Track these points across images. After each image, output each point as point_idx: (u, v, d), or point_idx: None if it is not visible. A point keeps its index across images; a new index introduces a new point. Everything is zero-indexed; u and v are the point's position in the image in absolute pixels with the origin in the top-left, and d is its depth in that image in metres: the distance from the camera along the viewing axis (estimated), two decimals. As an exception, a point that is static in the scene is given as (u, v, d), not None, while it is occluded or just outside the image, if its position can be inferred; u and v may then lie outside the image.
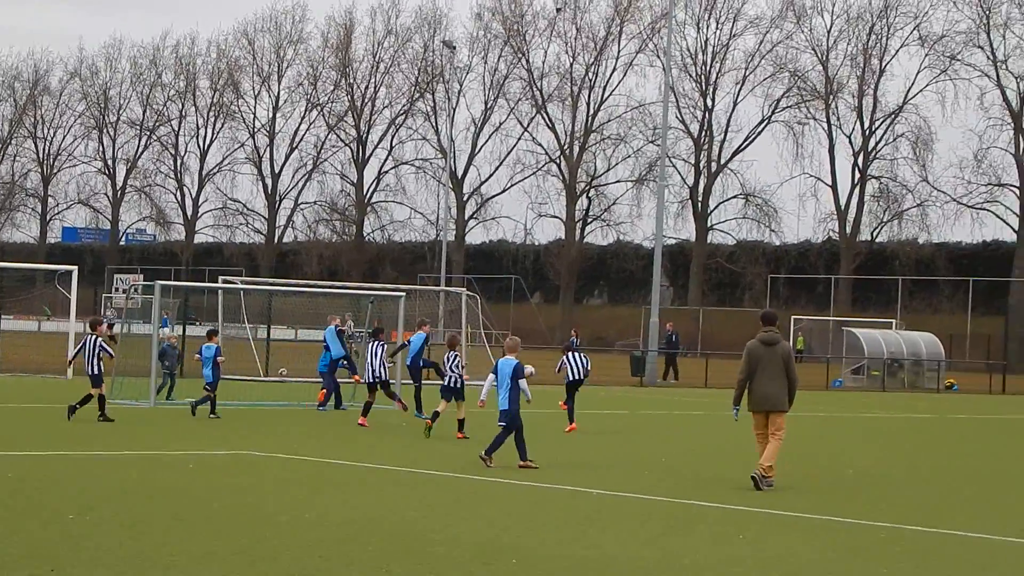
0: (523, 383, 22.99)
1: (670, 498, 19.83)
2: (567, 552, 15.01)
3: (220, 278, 56.28)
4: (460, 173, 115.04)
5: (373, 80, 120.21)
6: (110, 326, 57.69)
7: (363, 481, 20.70)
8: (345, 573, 13.44)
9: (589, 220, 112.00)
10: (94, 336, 29.33)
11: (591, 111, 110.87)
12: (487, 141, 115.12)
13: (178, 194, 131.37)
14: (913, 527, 17.89)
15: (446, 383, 28.47)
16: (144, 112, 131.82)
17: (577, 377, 31.64)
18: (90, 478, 19.74)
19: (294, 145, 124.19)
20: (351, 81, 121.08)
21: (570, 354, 32.22)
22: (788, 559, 15.23)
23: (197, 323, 73.89)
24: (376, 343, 31.43)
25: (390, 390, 31.75)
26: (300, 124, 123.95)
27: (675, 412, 40.58)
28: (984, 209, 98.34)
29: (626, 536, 16.30)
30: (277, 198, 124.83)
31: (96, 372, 28.94)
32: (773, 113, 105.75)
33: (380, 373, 31.08)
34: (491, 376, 23.33)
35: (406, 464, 22.95)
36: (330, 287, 63.25)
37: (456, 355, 28.82)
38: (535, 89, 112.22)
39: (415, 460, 23.62)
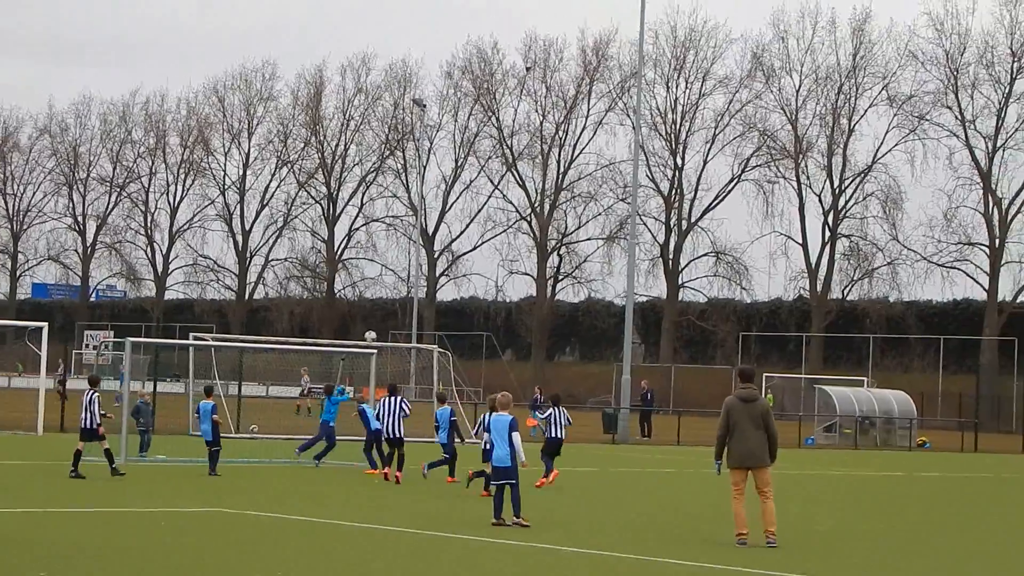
0: (517, 441, 22.71)
1: (639, 555, 19.81)
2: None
3: (191, 335, 56.09)
4: (431, 230, 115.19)
5: (343, 137, 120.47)
6: (61, 382, 57.36)
7: (334, 538, 20.64)
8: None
9: (560, 277, 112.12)
10: (91, 391, 29.25)
11: (561, 169, 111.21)
12: (458, 199, 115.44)
13: (148, 250, 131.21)
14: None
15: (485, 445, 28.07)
16: (114, 169, 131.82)
17: (559, 436, 31.51)
18: (60, 536, 19.65)
19: (264, 202, 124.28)
20: (321, 138, 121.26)
21: (558, 409, 31.95)
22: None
23: (173, 379, 73.66)
24: (394, 398, 31.47)
25: (402, 453, 31.34)
26: (271, 181, 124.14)
27: (647, 469, 40.55)
28: (954, 268, 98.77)
29: (598, 593, 16.29)
30: (248, 255, 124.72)
31: (91, 427, 28.81)
32: (743, 172, 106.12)
33: (398, 431, 31.06)
34: (486, 435, 23.13)
35: (376, 521, 22.90)
36: (301, 344, 63.14)
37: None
38: (505, 147, 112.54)
39: (385, 517, 23.57)
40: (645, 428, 60.48)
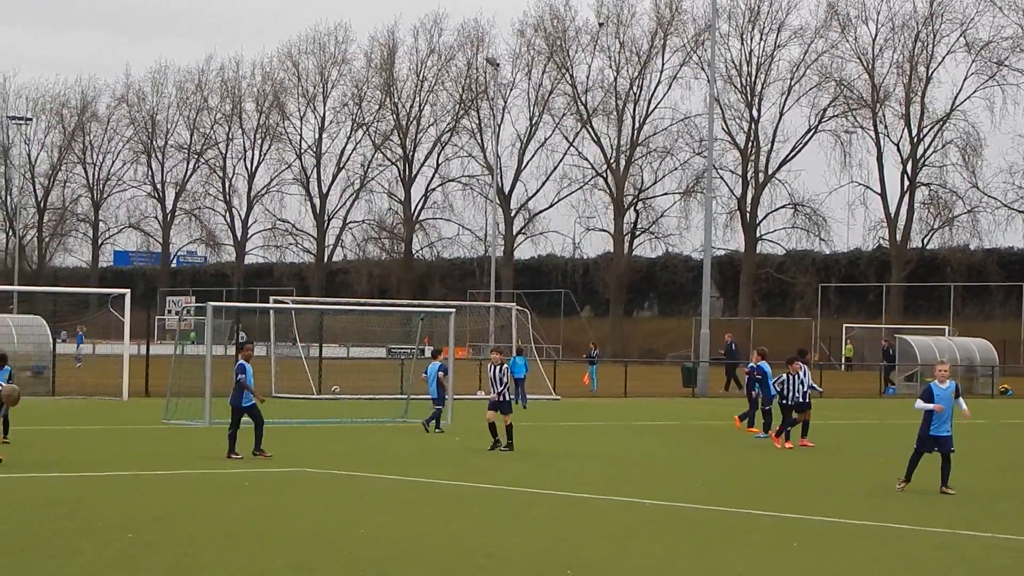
0: (962, 403, 22.38)
1: (722, 507, 19.86)
2: (620, 564, 15.09)
3: (271, 298, 56.49)
4: (507, 189, 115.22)
5: (418, 99, 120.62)
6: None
7: (417, 497, 20.79)
8: (400, 587, 13.54)
9: (637, 233, 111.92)
10: (502, 364, 29.04)
11: (637, 124, 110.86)
12: (533, 156, 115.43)
13: (227, 216, 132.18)
14: (964, 532, 17.90)
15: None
16: (191, 136, 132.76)
17: (800, 399, 32.10)
18: (146, 498, 19.91)
19: (341, 165, 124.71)
20: (396, 100, 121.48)
21: (803, 373, 32.52)
22: (841, 567, 15.27)
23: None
24: (803, 371, 32.59)
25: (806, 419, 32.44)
26: (346, 144, 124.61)
27: (727, 422, 40.49)
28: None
29: (678, 546, 16.38)
30: (326, 218, 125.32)
31: (506, 399, 28.65)
32: (820, 123, 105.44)
33: (803, 397, 32.14)
34: (919, 402, 22.59)
35: (460, 479, 23.05)
36: (380, 305, 63.43)
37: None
38: (580, 104, 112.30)
39: (468, 475, 23.72)
40: (731, 381, 60.26)
